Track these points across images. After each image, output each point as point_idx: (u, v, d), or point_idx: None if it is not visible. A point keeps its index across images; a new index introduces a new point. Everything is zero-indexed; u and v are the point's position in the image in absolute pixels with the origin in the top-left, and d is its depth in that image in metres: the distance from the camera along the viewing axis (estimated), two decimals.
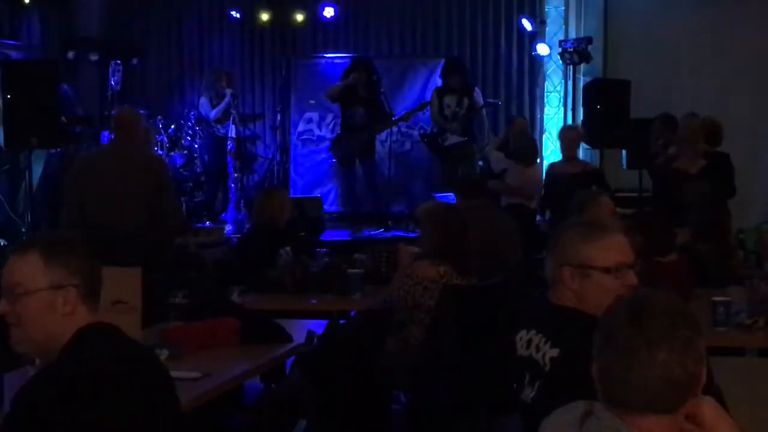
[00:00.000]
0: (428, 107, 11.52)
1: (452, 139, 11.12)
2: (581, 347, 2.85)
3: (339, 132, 11.69)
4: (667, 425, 2.11)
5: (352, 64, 11.67)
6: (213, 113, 11.79)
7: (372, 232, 10.96)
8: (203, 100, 11.98)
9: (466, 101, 11.23)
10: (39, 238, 2.93)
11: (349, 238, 10.75)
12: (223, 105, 11.79)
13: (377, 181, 11.51)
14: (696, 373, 2.09)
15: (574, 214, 5.27)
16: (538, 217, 9.31)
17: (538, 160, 9.92)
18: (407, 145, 12.65)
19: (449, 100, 11.25)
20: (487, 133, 11.80)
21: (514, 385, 3.01)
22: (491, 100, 12.46)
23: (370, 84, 11.47)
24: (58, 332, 2.56)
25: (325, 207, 11.77)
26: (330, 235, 10.74)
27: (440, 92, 11.40)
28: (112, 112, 11.88)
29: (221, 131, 11.86)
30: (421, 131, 12.02)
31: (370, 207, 11.54)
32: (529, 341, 3.00)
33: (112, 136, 7.82)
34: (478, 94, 11.46)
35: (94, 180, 7.02)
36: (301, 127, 13.21)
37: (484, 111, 11.59)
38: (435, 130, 11.47)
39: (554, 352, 2.90)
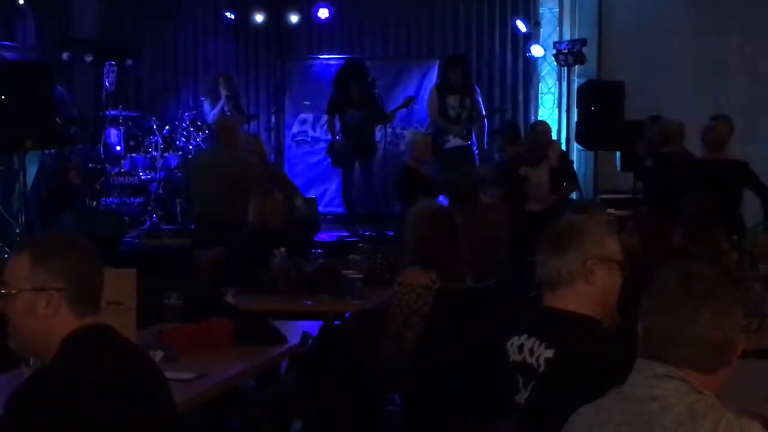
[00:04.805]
0: (413, 103, 11.55)
1: (453, 142, 10.95)
2: (576, 348, 2.88)
3: (336, 135, 11.63)
4: (704, 383, 2.22)
5: (344, 72, 11.60)
6: (210, 116, 11.84)
7: (367, 233, 10.95)
8: (206, 105, 12.05)
9: (468, 101, 11.14)
10: (33, 238, 2.93)
11: (344, 240, 10.75)
12: (218, 107, 11.84)
13: (374, 183, 11.46)
14: (732, 338, 2.25)
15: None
16: None
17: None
18: (401, 147, 12.62)
19: (452, 100, 11.12)
20: (486, 138, 11.75)
21: (507, 390, 3.02)
22: (499, 107, 12.44)
23: (364, 86, 11.43)
24: (42, 334, 2.56)
25: (320, 208, 11.76)
26: (325, 236, 10.74)
27: (441, 91, 11.23)
28: (110, 112, 11.99)
29: None
30: (416, 130, 11.97)
31: (368, 208, 11.51)
32: (521, 346, 3.01)
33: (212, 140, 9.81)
34: (479, 94, 11.41)
35: (202, 178, 8.75)
36: (295, 129, 13.22)
37: (485, 119, 11.58)
38: (432, 130, 11.26)
39: (549, 353, 2.90)
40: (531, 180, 9.24)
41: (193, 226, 9.87)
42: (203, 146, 11.78)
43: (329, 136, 11.82)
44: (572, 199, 10.72)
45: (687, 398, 2.18)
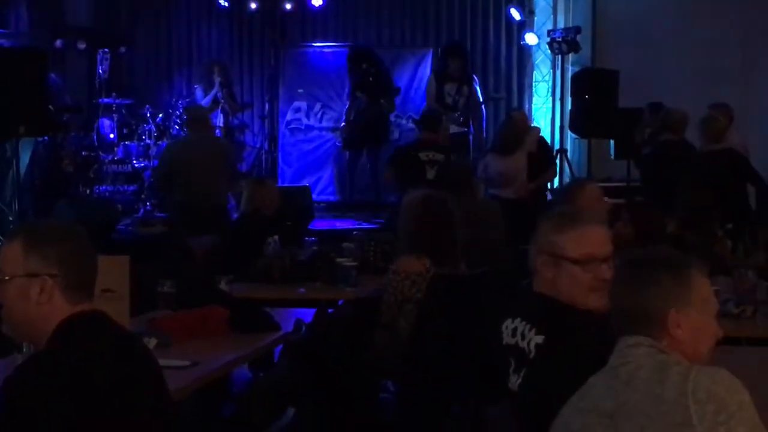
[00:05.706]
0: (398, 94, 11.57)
1: (451, 128, 10.95)
2: (565, 334, 2.88)
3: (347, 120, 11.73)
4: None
5: (348, 59, 11.64)
6: (203, 103, 11.80)
7: (363, 222, 10.95)
8: (199, 92, 12.02)
9: (465, 89, 11.14)
10: (27, 225, 2.93)
11: (337, 228, 10.74)
12: (211, 94, 11.82)
13: (380, 170, 11.48)
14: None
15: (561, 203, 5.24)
16: None
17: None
18: (396, 134, 12.63)
19: (449, 87, 11.12)
20: (485, 127, 11.75)
21: (501, 372, 3.03)
22: (496, 95, 12.44)
23: (366, 72, 11.43)
24: (36, 320, 2.56)
25: (314, 196, 11.76)
26: (319, 225, 10.74)
27: (439, 78, 11.26)
28: (103, 100, 11.95)
29: (213, 121, 11.86)
30: (412, 117, 11.96)
31: (368, 195, 11.54)
32: (515, 329, 3.02)
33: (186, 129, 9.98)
34: (476, 83, 11.41)
35: (189, 165, 8.63)
36: (289, 116, 13.19)
37: (483, 106, 11.57)
38: None
39: (539, 339, 2.91)
40: (491, 168, 9.16)
41: (166, 215, 9.89)
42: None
43: (323, 124, 11.84)
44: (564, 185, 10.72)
45: (657, 357, 2.33)
